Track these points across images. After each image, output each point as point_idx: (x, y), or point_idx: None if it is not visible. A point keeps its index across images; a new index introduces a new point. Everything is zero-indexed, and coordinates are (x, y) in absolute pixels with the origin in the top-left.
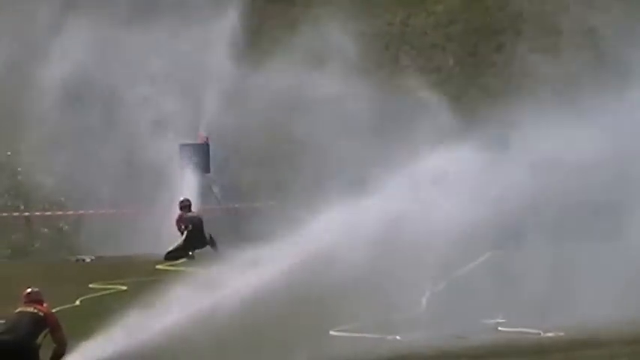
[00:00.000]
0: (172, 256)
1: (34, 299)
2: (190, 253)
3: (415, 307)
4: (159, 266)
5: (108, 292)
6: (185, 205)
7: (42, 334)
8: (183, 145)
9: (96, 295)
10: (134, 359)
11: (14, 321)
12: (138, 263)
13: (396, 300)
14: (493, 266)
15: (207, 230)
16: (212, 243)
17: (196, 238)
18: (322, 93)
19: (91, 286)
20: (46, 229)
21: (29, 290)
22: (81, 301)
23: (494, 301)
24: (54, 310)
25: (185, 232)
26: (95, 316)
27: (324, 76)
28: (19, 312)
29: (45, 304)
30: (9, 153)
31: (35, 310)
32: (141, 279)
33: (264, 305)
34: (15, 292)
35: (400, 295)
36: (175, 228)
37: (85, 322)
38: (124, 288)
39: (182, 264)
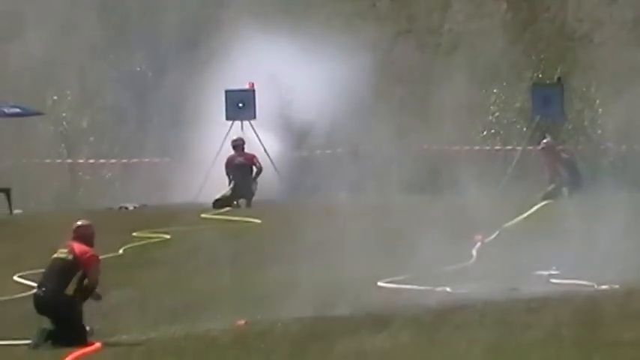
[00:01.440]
0: (220, 204)
1: (81, 234)
2: (235, 202)
3: (466, 258)
4: (204, 215)
5: (151, 240)
6: (237, 145)
7: (74, 280)
8: (229, 92)
9: (139, 243)
10: (179, 309)
11: (46, 272)
12: (182, 212)
13: (447, 252)
14: (546, 216)
15: (254, 179)
16: (250, 195)
17: (242, 187)
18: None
19: (134, 234)
20: (89, 177)
21: (79, 223)
22: (124, 250)
23: (547, 253)
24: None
25: (232, 182)
26: (138, 266)
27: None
28: (53, 259)
29: (86, 243)
30: (55, 97)
31: (64, 255)
32: (185, 228)
33: (312, 255)
34: (58, 241)
35: (450, 246)
36: (224, 174)
37: (128, 272)
38: (168, 237)
39: (227, 213)
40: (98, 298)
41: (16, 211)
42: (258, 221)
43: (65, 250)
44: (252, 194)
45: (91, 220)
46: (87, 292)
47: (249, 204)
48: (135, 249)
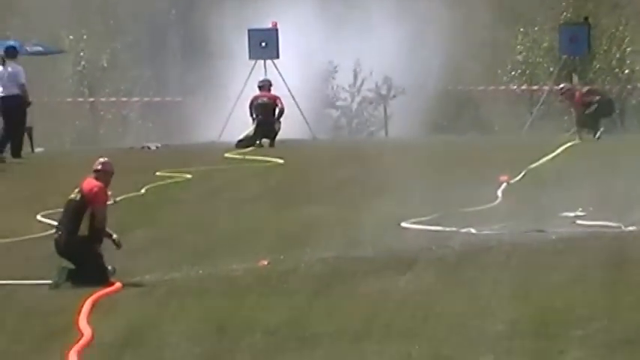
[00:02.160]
0: (243, 144)
1: (100, 172)
2: (258, 142)
3: (491, 199)
4: (227, 154)
5: (173, 180)
6: (263, 85)
7: (85, 219)
8: (252, 31)
9: (161, 183)
10: (201, 249)
11: (62, 215)
12: (205, 152)
13: (471, 192)
14: (572, 157)
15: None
16: (274, 135)
17: (265, 126)
18: None
19: (156, 174)
20: (110, 116)
21: (100, 160)
22: (146, 190)
23: (574, 194)
24: (119, 198)
25: (255, 121)
26: (160, 205)
27: None
28: (67, 201)
29: (104, 180)
30: (71, 37)
31: (74, 195)
32: (207, 167)
33: (335, 195)
34: (80, 180)
35: (475, 187)
36: (247, 114)
37: (150, 211)
38: (190, 176)
39: (250, 152)
40: (118, 245)
41: (37, 150)
42: (281, 161)
43: (76, 190)
44: (276, 134)
45: (113, 159)
46: (97, 232)
47: (272, 144)
48: (157, 188)
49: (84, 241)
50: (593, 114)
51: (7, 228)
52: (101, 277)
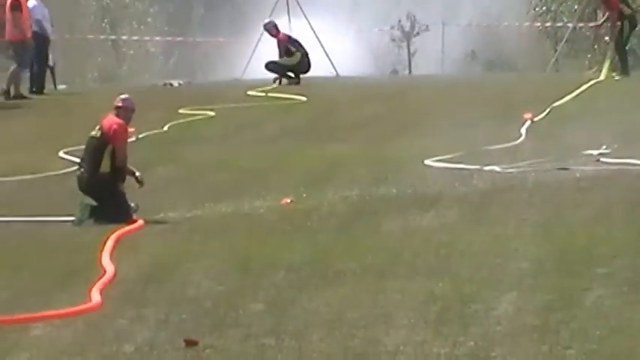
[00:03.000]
0: (271, 67)
1: (121, 108)
2: (293, 75)
3: (514, 137)
4: (250, 92)
5: (196, 118)
6: (269, 29)
7: (106, 156)
8: None
9: (184, 120)
10: (224, 186)
11: (83, 152)
12: (227, 89)
13: (495, 130)
14: (597, 95)
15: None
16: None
17: (304, 64)
18: None
19: (179, 111)
20: (133, 53)
21: (122, 96)
22: (169, 127)
23: (597, 132)
24: (142, 135)
25: (299, 55)
26: (183, 143)
27: None
28: (88, 138)
29: (124, 117)
30: None
31: (94, 133)
32: (230, 105)
33: (358, 133)
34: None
35: (499, 125)
36: (269, 52)
37: (173, 148)
38: (213, 114)
39: (273, 90)
40: (141, 183)
41: (60, 87)
42: (304, 99)
43: (97, 127)
44: (306, 70)
45: (135, 96)
46: (119, 170)
47: (298, 81)
48: (180, 126)
49: (106, 178)
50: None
51: (29, 165)
52: (124, 215)
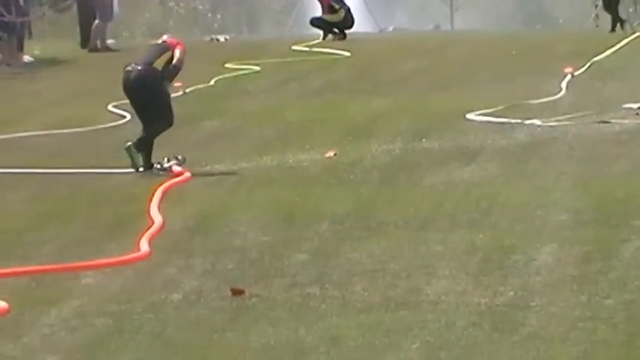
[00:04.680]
0: (318, 23)
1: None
2: (338, 31)
3: (555, 91)
4: (294, 47)
5: (242, 72)
6: None
7: (161, 58)
8: None
9: (230, 75)
10: (269, 140)
11: (138, 54)
12: (272, 44)
13: (535, 84)
14: (637, 49)
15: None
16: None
17: (347, 20)
18: None
19: (226, 66)
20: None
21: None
22: (215, 81)
23: (637, 86)
24: (189, 89)
25: (343, 11)
26: (229, 97)
27: None
28: (147, 46)
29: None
30: None
31: (155, 41)
32: (275, 60)
33: (401, 88)
34: None
35: (539, 79)
36: (313, 9)
37: (219, 102)
38: (258, 68)
39: (317, 45)
40: (165, 94)
41: (108, 42)
42: (348, 54)
43: (159, 41)
44: (350, 26)
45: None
46: (173, 68)
47: (343, 35)
48: (226, 80)
49: (157, 73)
50: None
51: (79, 118)
52: (167, 117)
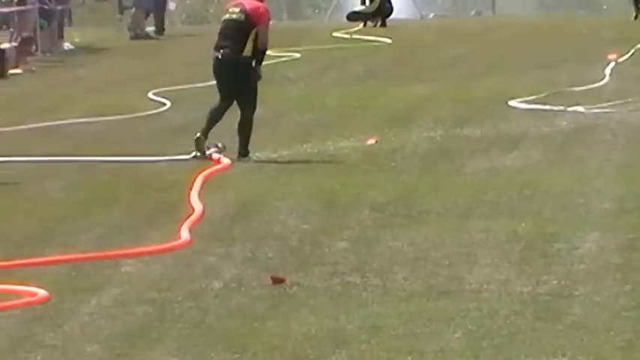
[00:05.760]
0: (355, 17)
1: None
2: (374, 20)
3: (599, 78)
4: (335, 34)
5: (282, 59)
6: None
7: (250, 40)
8: None
9: (270, 62)
10: (310, 127)
11: (221, 35)
12: (312, 31)
13: (579, 71)
14: None
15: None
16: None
17: (384, 9)
18: None
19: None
20: None
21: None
22: None
23: None
24: None
25: (378, 0)
26: (269, 84)
27: None
28: (225, 21)
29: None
30: None
31: (236, 16)
32: (316, 46)
33: (442, 75)
34: (190, 57)
35: (583, 66)
36: None
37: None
38: (298, 55)
39: (358, 32)
40: (258, 76)
41: (148, 29)
42: (389, 41)
43: (237, 10)
44: (389, 13)
45: None
46: (260, 52)
47: (384, 23)
48: (266, 67)
49: (248, 61)
50: None
51: (119, 105)
52: (254, 101)
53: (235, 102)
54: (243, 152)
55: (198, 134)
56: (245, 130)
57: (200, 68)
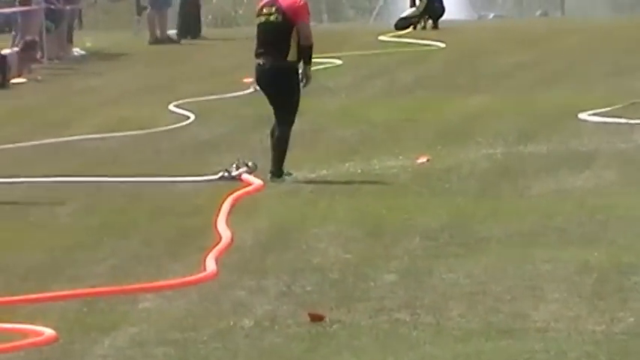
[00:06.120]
0: (403, 23)
1: None
2: (423, 22)
3: None
4: (381, 37)
5: (322, 66)
6: None
7: (292, 41)
8: None
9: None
10: (352, 143)
11: (260, 41)
12: (356, 34)
13: None
14: None
15: None
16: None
17: (435, 7)
18: None
19: None
20: None
21: None
22: None
23: None
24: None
25: (425, 1)
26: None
27: None
28: (262, 24)
29: None
30: None
31: (273, 18)
32: (359, 52)
33: (502, 84)
34: (215, 63)
35: None
36: None
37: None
38: (340, 62)
39: (408, 35)
40: (308, 78)
41: (169, 32)
42: (442, 45)
43: (272, 10)
44: (440, 14)
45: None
46: (306, 49)
47: (435, 25)
48: None
49: (295, 65)
50: None
51: (137, 119)
52: (294, 114)
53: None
54: (277, 172)
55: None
56: (280, 146)
57: (228, 77)
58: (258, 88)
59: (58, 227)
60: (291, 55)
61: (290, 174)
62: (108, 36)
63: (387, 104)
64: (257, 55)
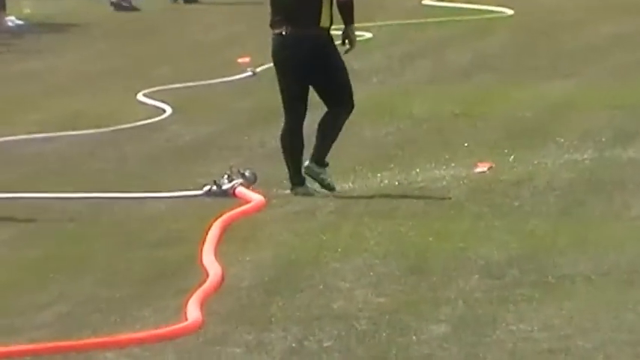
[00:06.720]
0: None
1: None
2: None
3: None
4: (426, 1)
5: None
6: None
7: (325, 3)
8: None
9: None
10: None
11: (278, 7)
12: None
13: None
14: None
15: None
16: None
17: None
18: None
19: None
20: None
21: None
22: None
23: None
24: (260, 69)
25: None
26: None
27: None
28: None
29: None
30: None
31: None
32: (396, 22)
33: (587, 67)
34: (190, 40)
35: None
36: None
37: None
38: (369, 35)
39: None
40: (352, 43)
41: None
42: (510, 12)
43: None
44: None
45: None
46: (346, 8)
47: None
48: None
49: (328, 34)
50: None
51: (93, 112)
52: (349, 98)
53: (321, 99)
54: (321, 161)
55: (307, 164)
56: (333, 131)
57: (216, 56)
58: (258, 70)
59: None
60: (324, 22)
61: (327, 164)
62: (52, 1)
63: (435, 94)
64: (275, 24)
